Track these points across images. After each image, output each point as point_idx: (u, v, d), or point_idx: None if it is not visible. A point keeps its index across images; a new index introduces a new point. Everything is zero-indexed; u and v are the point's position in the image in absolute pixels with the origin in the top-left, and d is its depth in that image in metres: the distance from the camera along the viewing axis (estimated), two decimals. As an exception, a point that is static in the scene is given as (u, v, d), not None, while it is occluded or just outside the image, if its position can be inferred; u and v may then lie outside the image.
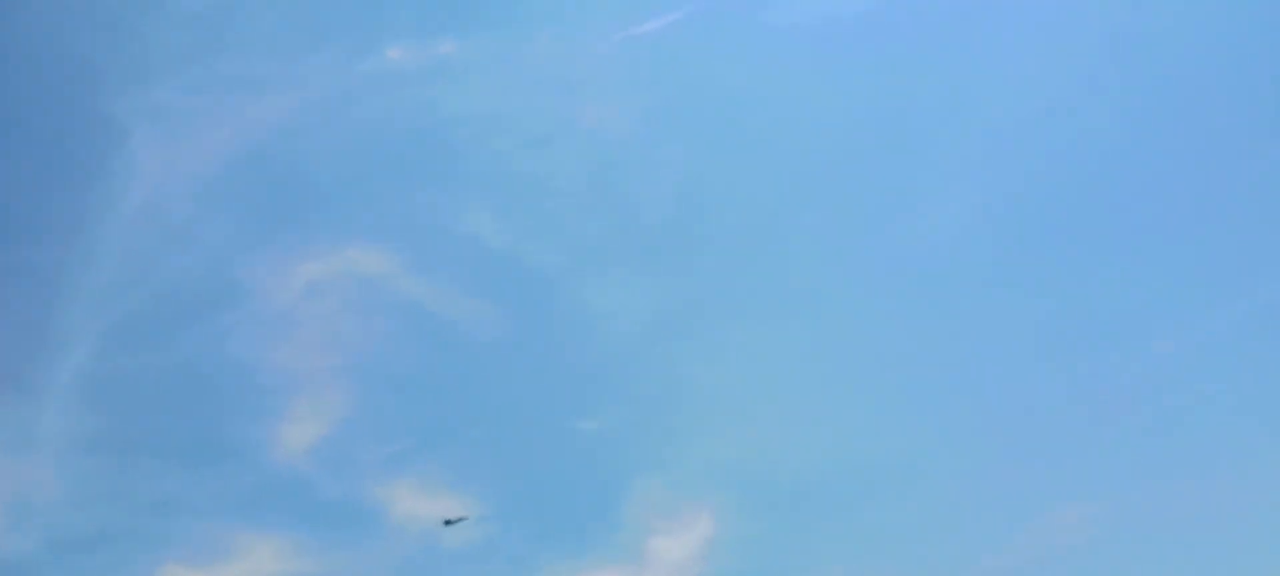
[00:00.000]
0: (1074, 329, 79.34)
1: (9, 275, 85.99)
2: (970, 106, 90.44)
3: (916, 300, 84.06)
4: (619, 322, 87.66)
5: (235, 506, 77.16)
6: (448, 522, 71.72)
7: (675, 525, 74.56)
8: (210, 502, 77.14)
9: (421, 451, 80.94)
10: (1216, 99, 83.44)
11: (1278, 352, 72.76)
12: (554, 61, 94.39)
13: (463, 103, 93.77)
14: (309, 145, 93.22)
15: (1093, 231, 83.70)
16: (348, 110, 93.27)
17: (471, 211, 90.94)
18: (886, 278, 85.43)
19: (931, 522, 71.94)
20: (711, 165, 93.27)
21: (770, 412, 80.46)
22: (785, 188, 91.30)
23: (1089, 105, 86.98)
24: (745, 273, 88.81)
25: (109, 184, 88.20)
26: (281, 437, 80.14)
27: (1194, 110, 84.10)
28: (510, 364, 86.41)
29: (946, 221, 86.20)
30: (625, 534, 74.63)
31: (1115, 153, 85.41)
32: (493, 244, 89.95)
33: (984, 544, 70.03)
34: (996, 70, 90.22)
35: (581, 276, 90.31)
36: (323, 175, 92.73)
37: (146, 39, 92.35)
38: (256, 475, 78.61)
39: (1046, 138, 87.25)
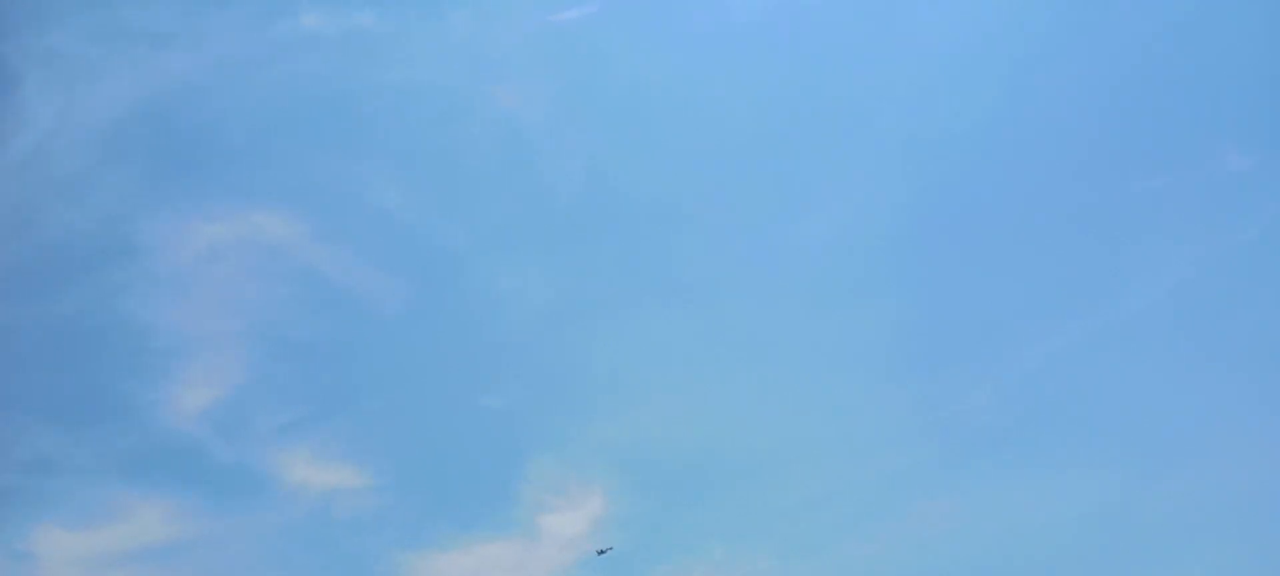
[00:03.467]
0: (943, 332, 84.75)
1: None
2: (858, 114, 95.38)
3: (800, 298, 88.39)
4: (522, 303, 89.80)
5: (120, 467, 75.87)
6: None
7: (567, 502, 77.30)
8: (93, 463, 75.55)
9: (318, 420, 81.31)
10: (1090, 118, 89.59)
11: (1132, 362, 78.70)
12: (471, 41, 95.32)
13: (376, 74, 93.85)
14: (215, 105, 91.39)
15: (965, 240, 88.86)
16: (257, 72, 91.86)
17: (380, 184, 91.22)
18: (774, 275, 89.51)
19: (804, 508, 76.38)
20: (617, 155, 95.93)
21: (661, 397, 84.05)
22: (685, 183, 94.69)
23: (967, 121, 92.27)
24: (644, 262, 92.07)
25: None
26: (173, 400, 79.28)
27: (1068, 128, 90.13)
28: (412, 337, 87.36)
29: (832, 224, 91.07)
30: (519, 509, 76.97)
31: (990, 167, 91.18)
32: (400, 217, 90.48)
33: (851, 530, 75.03)
34: (886, 83, 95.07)
35: (487, 255, 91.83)
36: (228, 136, 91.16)
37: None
38: (144, 437, 77.53)
39: (927, 151, 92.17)
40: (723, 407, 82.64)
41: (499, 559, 74.14)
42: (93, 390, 79.51)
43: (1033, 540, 71.33)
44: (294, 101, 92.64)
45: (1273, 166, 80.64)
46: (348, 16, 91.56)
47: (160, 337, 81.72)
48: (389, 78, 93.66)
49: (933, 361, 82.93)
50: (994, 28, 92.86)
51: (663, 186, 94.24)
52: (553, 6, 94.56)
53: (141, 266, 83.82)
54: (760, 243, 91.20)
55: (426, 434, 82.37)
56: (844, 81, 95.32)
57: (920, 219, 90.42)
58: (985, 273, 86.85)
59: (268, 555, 74.43)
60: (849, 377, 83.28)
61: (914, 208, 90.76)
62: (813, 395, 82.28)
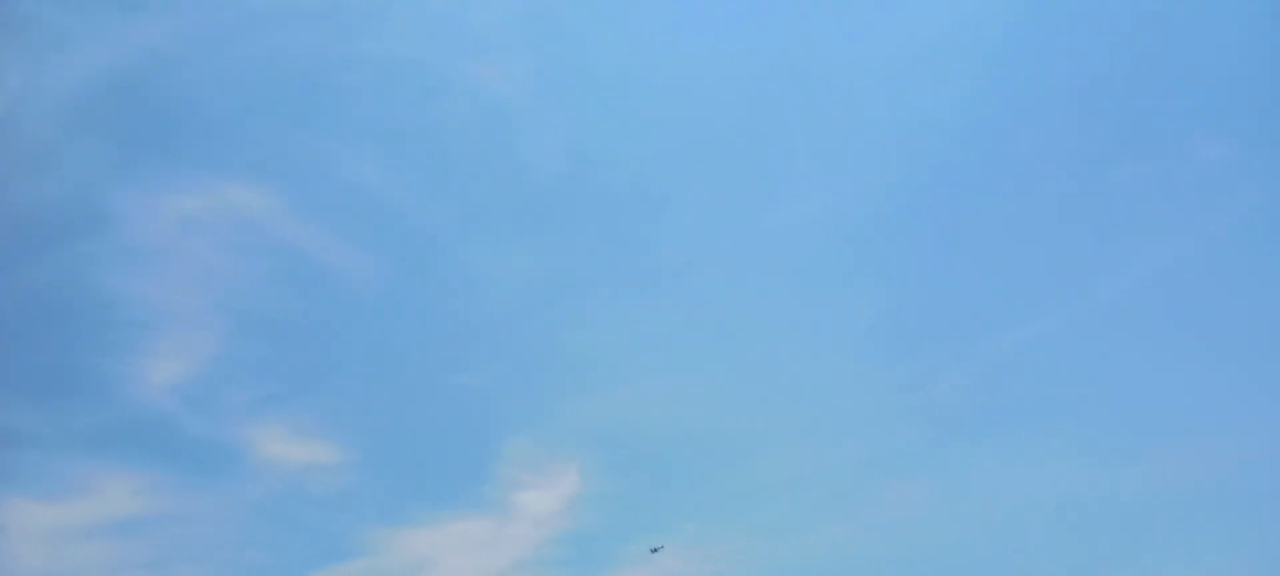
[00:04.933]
0: (920, 320, 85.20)
1: None
2: (842, 101, 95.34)
3: (779, 282, 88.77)
4: (499, 282, 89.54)
5: (89, 441, 75.11)
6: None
7: (542, 480, 77.40)
8: (62, 436, 74.73)
9: (291, 396, 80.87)
10: (1070, 107, 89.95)
11: (1106, 349, 79.29)
12: (451, 16, 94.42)
13: (355, 48, 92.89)
14: (189, 75, 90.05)
15: (943, 227, 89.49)
16: (234, 43, 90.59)
17: (358, 160, 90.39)
18: (752, 259, 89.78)
19: (778, 489, 76.85)
20: (599, 136, 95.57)
21: (637, 379, 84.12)
22: (666, 166, 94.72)
23: (948, 109, 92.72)
24: (623, 243, 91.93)
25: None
26: (143, 374, 78.47)
27: (1048, 118, 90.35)
28: (388, 315, 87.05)
29: (811, 210, 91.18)
30: (493, 487, 76.96)
31: (968, 158, 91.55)
32: (377, 194, 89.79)
33: (824, 511, 75.66)
34: (870, 70, 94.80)
35: (465, 234, 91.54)
36: (203, 108, 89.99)
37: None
38: (114, 410, 76.75)
39: (908, 139, 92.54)
40: (698, 389, 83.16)
41: (473, 535, 74.40)
42: (62, 363, 78.77)
43: (1005, 523, 72.25)
44: (271, 74, 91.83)
45: (1248, 156, 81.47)
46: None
47: (131, 310, 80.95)
48: (368, 51, 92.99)
49: (910, 345, 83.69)
50: (975, 18, 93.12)
51: (644, 168, 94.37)
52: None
53: (112, 238, 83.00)
54: (739, 227, 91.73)
55: (401, 411, 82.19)
56: (827, 68, 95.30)
57: (899, 205, 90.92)
58: (963, 259, 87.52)
59: (239, 530, 74.39)
60: (826, 361, 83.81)
61: (893, 194, 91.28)
62: (789, 378, 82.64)
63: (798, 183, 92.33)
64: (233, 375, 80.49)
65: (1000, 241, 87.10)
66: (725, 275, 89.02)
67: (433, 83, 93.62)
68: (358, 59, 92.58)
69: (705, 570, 72.16)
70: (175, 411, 77.45)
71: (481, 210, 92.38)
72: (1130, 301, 79.96)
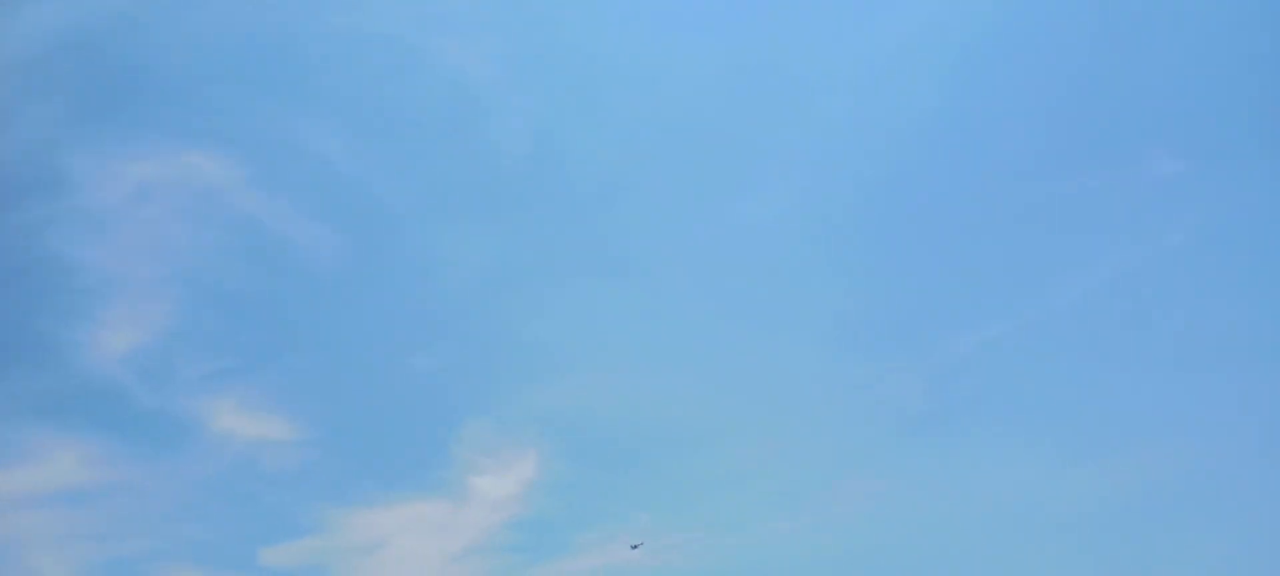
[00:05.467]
0: (879, 319, 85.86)
1: None
2: (808, 100, 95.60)
3: (740, 276, 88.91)
4: (461, 264, 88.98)
5: (38, 408, 74.02)
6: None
7: (498, 465, 77.30)
8: (9, 403, 73.71)
9: (246, 370, 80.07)
10: (1030, 116, 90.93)
11: (1058, 355, 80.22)
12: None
13: (324, 19, 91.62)
14: (150, 39, 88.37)
15: (903, 231, 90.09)
16: (196, 7, 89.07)
17: (321, 133, 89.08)
18: (715, 251, 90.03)
19: (734, 482, 77.50)
20: (567, 121, 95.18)
21: (597, 367, 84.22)
22: (633, 154, 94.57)
23: (912, 114, 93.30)
24: (587, 230, 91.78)
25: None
26: (95, 341, 77.38)
27: (1008, 126, 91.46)
28: (347, 292, 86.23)
29: (775, 205, 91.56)
30: (449, 470, 76.80)
31: (931, 161, 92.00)
32: (340, 168, 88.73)
33: (779, 506, 76.15)
34: (837, 72, 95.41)
35: (428, 213, 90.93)
36: (165, 72, 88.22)
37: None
38: (64, 378, 75.60)
39: (872, 141, 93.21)
40: (658, 380, 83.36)
41: (427, 518, 74.29)
42: (11, 328, 77.50)
43: (960, 522, 73.24)
44: (236, 40, 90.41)
45: (1200, 172, 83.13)
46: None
47: (84, 277, 79.59)
48: (337, 24, 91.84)
49: (868, 344, 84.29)
50: (944, 22, 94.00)
51: (610, 155, 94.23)
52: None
53: (67, 203, 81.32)
54: (704, 219, 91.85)
55: (358, 390, 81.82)
56: (798, 66, 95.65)
57: (862, 205, 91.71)
58: (922, 260, 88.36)
59: (189, 503, 73.79)
60: (785, 356, 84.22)
61: (857, 194, 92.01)
62: (748, 372, 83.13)
63: (763, 178, 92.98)
64: (187, 347, 79.69)
65: (960, 243, 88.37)
66: (689, 267, 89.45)
67: (402, 59, 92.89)
68: (326, 30, 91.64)
69: (660, 561, 72.62)
70: (127, 381, 76.69)
71: (446, 190, 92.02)
72: (1085, 307, 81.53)
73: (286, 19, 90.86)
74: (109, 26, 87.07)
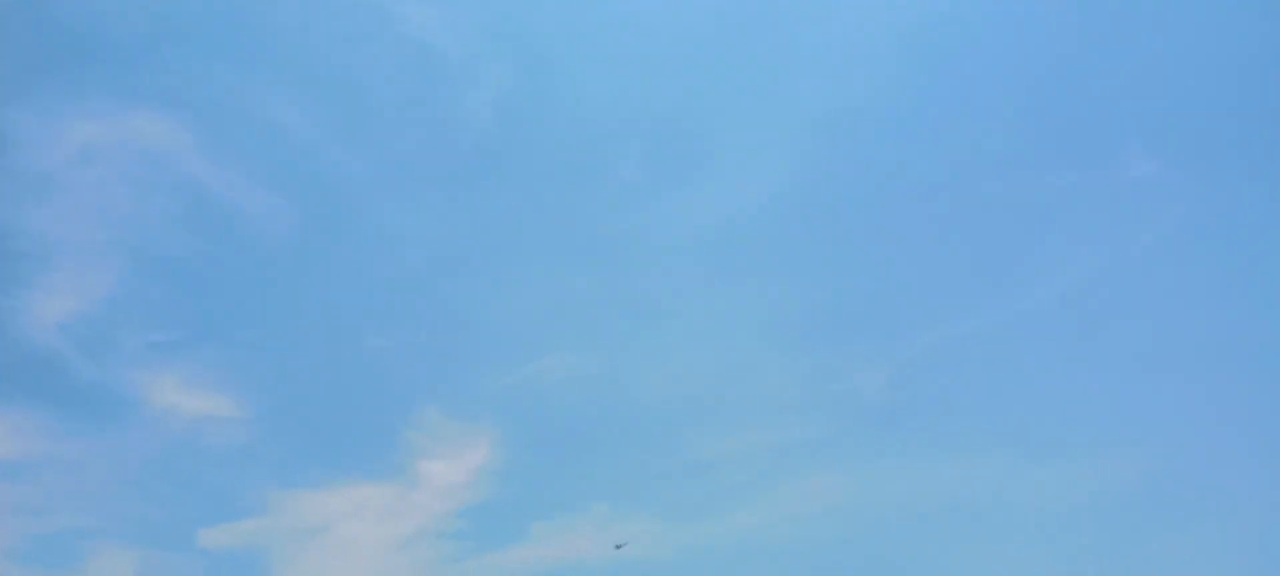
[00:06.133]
0: (844, 312, 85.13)
1: None
2: (778, 86, 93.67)
3: (703, 263, 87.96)
4: (419, 241, 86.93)
5: (-32, 377, 71.48)
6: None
7: (451, 450, 75.67)
8: (-62, 370, 71.09)
9: (191, 344, 77.83)
10: (1004, 108, 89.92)
11: (1022, 355, 79.74)
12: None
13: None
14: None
15: (872, 224, 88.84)
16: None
17: (277, 99, 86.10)
18: (679, 237, 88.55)
19: (692, 472, 76.54)
20: (532, 97, 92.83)
21: (555, 352, 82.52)
22: (598, 134, 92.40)
23: (885, 104, 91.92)
24: (549, 211, 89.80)
25: None
26: (31, 309, 74.77)
27: (982, 118, 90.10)
28: (299, 266, 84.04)
29: (742, 193, 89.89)
30: (399, 454, 75.11)
31: (902, 155, 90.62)
32: (297, 136, 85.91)
33: (737, 497, 75.30)
34: (807, 59, 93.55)
35: (387, 187, 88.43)
36: (112, 30, 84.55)
37: None
38: (-1, 346, 73.05)
39: (842, 130, 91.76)
40: (616, 367, 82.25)
41: (374, 502, 72.83)
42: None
43: (914, 518, 72.88)
44: None
45: (1175, 173, 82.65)
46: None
47: (22, 241, 77.07)
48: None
49: (832, 337, 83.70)
50: (917, 17, 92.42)
51: (575, 134, 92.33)
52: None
53: (5, 163, 78.52)
54: (669, 203, 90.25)
55: (307, 369, 80.00)
56: (771, 55, 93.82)
57: (832, 197, 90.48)
58: (889, 253, 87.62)
59: (127, 480, 71.83)
60: (746, 346, 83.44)
61: (827, 186, 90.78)
62: (708, 361, 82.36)
63: (734, 165, 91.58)
64: (129, 317, 77.40)
65: (931, 238, 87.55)
66: (654, 253, 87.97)
67: (364, 23, 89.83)
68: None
69: (618, 552, 71.59)
70: (65, 351, 74.47)
71: (407, 163, 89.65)
72: (1049, 310, 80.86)
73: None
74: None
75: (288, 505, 71.50)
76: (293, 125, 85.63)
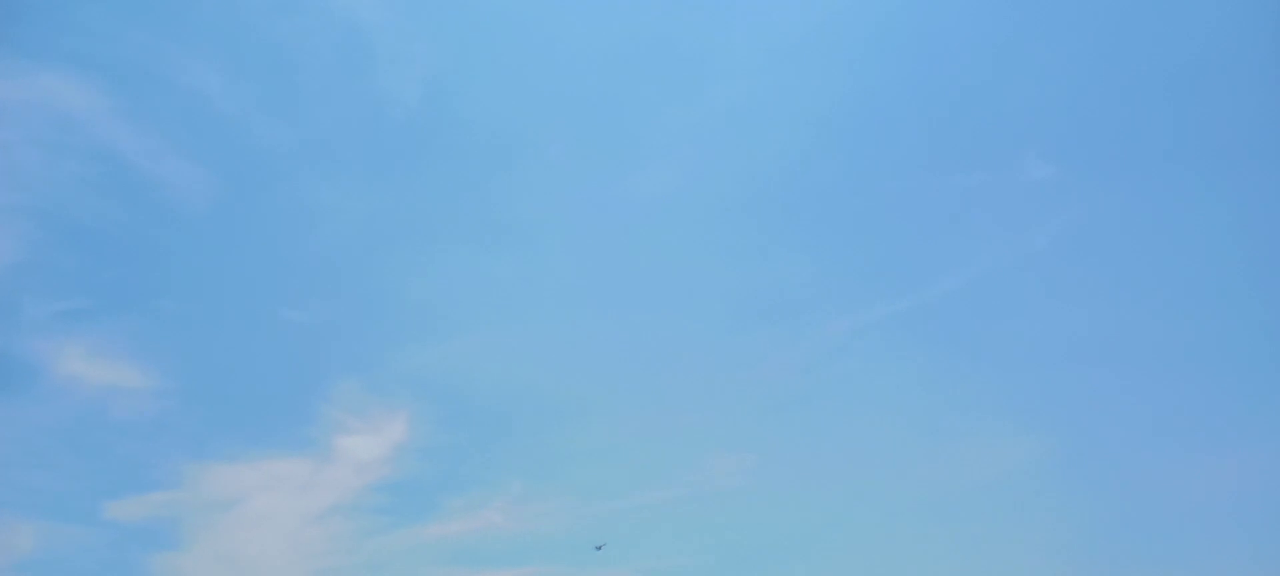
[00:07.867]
0: (757, 300, 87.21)
1: None
2: (704, 80, 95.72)
3: (627, 251, 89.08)
4: (340, 216, 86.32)
5: None
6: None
7: (368, 425, 75.59)
8: None
9: (100, 313, 75.79)
10: (914, 112, 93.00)
11: (928, 347, 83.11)
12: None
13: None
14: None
15: (786, 217, 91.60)
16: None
17: (199, 68, 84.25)
18: (600, 223, 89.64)
19: (606, 452, 78.01)
20: (460, 77, 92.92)
21: (474, 331, 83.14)
22: (525, 118, 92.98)
23: (803, 104, 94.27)
24: (473, 191, 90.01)
25: None
26: (-68, 273, 71.95)
27: (893, 121, 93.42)
28: (217, 237, 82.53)
29: (662, 182, 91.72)
30: (315, 428, 74.68)
31: (817, 152, 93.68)
32: (217, 106, 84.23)
33: (650, 476, 76.86)
34: (733, 57, 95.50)
35: (309, 160, 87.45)
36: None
37: None
38: (-105, 310, 70.33)
39: (762, 127, 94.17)
40: (535, 348, 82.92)
41: (289, 476, 72.23)
42: None
43: (820, 500, 75.37)
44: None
45: (1068, 177, 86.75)
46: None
47: (-78, 202, 73.61)
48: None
49: (746, 323, 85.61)
50: (833, 21, 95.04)
51: (502, 117, 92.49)
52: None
53: (-95, 119, 74.90)
54: (590, 189, 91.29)
55: (222, 341, 78.76)
56: (694, 49, 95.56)
57: (748, 189, 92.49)
58: (803, 245, 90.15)
59: (30, 451, 69.74)
60: (664, 331, 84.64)
61: (744, 179, 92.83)
62: (627, 344, 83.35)
63: (653, 154, 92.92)
64: (34, 283, 75.01)
65: (840, 232, 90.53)
66: (574, 237, 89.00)
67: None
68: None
69: (529, 527, 72.70)
70: (-36, 317, 71.42)
71: (329, 138, 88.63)
72: (951, 302, 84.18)
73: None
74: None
75: (200, 477, 70.73)
76: (215, 94, 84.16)
